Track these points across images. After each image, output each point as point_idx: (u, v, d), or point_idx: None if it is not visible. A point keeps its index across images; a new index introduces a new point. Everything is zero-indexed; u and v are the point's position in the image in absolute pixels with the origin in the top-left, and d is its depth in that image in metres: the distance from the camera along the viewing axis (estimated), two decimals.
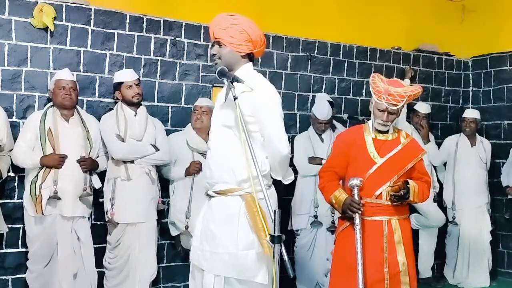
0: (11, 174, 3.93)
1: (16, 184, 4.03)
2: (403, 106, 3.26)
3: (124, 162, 4.02)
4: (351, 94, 5.55)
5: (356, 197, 3.20)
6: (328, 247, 4.53)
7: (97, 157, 4.05)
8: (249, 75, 2.70)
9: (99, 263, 4.07)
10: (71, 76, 3.98)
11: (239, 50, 2.72)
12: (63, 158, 3.77)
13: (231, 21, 2.71)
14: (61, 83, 3.90)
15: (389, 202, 3.25)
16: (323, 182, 3.43)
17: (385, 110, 3.23)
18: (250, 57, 2.79)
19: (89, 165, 3.91)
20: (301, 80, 5.26)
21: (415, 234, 5.01)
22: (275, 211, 2.27)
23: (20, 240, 4.00)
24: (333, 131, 4.98)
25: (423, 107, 5.53)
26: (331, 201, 3.35)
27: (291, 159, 4.64)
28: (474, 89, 6.29)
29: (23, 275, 3.93)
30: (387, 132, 3.35)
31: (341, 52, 5.48)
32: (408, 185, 3.23)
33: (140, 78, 4.29)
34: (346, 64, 5.51)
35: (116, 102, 4.23)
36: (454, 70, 6.29)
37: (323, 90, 5.33)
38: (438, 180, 5.64)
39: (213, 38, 2.76)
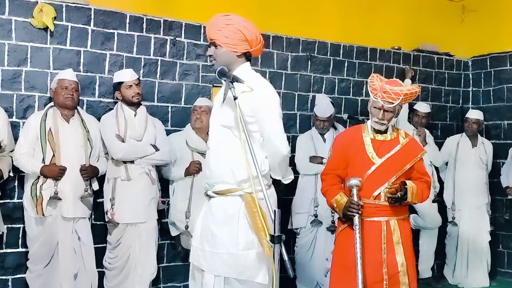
0: (11, 174, 3.92)
1: (16, 184, 4.03)
2: (400, 105, 3.26)
3: (124, 162, 4.02)
4: (351, 94, 5.55)
5: (355, 197, 3.19)
6: (328, 247, 4.54)
7: (98, 158, 4.05)
8: (247, 75, 2.69)
9: (99, 263, 4.07)
10: (74, 77, 3.98)
11: (234, 50, 2.72)
12: (63, 170, 3.77)
13: (226, 22, 2.71)
14: (64, 83, 3.90)
15: (387, 202, 3.24)
16: (326, 186, 3.41)
17: (381, 108, 3.23)
18: (247, 56, 2.78)
19: (90, 173, 3.92)
20: (301, 80, 5.26)
21: (415, 234, 5.01)
22: (275, 211, 2.26)
23: (20, 240, 4.01)
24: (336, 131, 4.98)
25: (422, 107, 5.54)
26: (332, 205, 3.34)
27: (292, 158, 4.64)
28: (474, 89, 6.29)
29: (23, 275, 3.94)
30: (385, 132, 3.34)
31: (341, 52, 5.48)
32: (406, 186, 3.22)
33: (140, 78, 4.29)
34: (346, 64, 5.51)
35: (116, 102, 4.23)
36: (454, 70, 6.29)
37: (323, 90, 5.34)
38: (440, 180, 5.64)
39: (209, 39, 2.77)
